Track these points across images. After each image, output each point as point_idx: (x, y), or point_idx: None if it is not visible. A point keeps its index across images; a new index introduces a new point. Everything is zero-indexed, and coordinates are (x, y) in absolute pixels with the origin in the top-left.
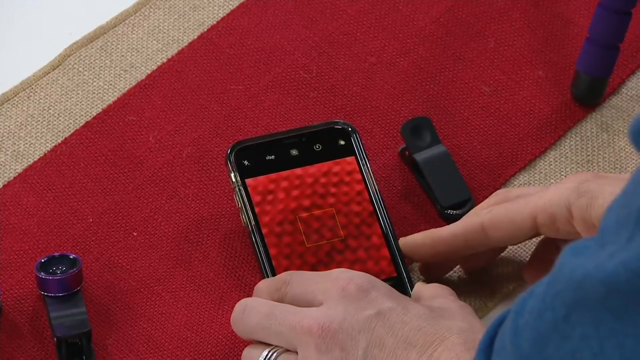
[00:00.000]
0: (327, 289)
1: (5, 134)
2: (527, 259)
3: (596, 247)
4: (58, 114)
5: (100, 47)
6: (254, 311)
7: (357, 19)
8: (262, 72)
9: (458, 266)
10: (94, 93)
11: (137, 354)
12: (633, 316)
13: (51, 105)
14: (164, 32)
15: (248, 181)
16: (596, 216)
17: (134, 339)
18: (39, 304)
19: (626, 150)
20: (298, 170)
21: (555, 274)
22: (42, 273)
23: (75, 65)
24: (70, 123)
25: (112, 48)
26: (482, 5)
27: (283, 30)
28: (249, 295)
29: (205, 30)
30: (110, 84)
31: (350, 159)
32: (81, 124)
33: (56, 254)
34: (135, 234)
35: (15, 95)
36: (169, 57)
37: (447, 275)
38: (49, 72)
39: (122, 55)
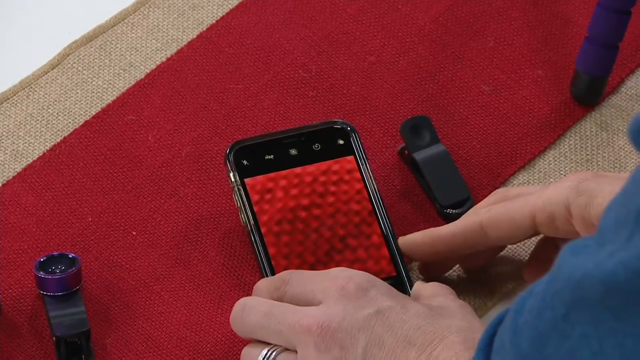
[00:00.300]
0: (326, 287)
1: (4, 133)
2: (527, 258)
3: (595, 246)
4: (57, 113)
5: (100, 46)
6: (253, 310)
7: (357, 18)
8: (262, 71)
9: (457, 265)
10: (93, 92)
11: (136, 353)
12: (632, 315)
13: (50, 105)
14: (163, 32)
15: (247, 181)
16: (595, 215)
17: (133, 338)
18: (38, 303)
19: (626, 149)
20: (297, 170)
21: (554, 273)
22: (41, 272)
23: (74, 65)
24: (70, 122)
25: (111, 47)
26: (482, 5)
27: (282, 29)
28: (248, 294)
29: (205, 29)
30: (110, 83)
31: (350, 158)
32: (80, 123)
33: (55, 253)
34: (134, 233)
35: (15, 95)
36: (168, 56)
37: (446, 274)
38: (48, 71)
39: (121, 55)
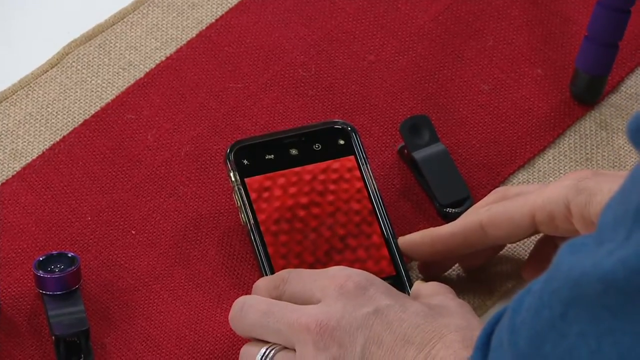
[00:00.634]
0: (325, 286)
1: (3, 132)
2: (526, 257)
3: (594, 244)
4: (56, 112)
5: (99, 45)
6: (252, 309)
7: (356, 17)
8: (261, 70)
9: (456, 264)
10: (93, 91)
11: (135, 353)
12: (630, 314)
13: (49, 104)
14: (163, 31)
15: (247, 180)
16: (595, 213)
17: (133, 337)
18: (37, 302)
19: (625, 148)
20: (297, 170)
21: (552, 271)
22: (40, 271)
23: (73, 64)
24: (69, 121)
25: (111, 46)
26: (481, 4)
27: (282, 28)
28: (248, 293)
29: (204, 28)
30: (109, 82)
31: (350, 158)
32: (79, 122)
33: (54, 252)
34: (133, 232)
35: (14, 94)
36: (168, 55)
37: (445, 273)
38: (48, 70)
39: (121, 54)
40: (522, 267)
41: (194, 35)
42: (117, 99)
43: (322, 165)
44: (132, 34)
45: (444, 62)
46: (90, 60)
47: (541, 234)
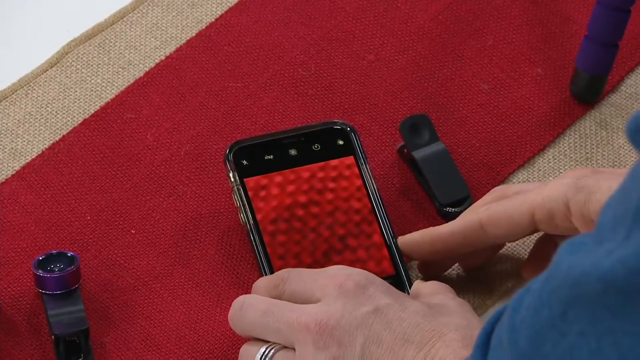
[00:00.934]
0: (325, 285)
1: (3, 131)
2: (526, 256)
3: (593, 244)
4: (56, 112)
5: (99, 44)
6: (251, 308)
7: (356, 16)
8: (261, 69)
9: (457, 264)
10: (92, 91)
11: (134, 352)
12: (630, 313)
13: (49, 103)
14: (162, 30)
15: (246, 180)
16: (594, 211)
17: (132, 336)
18: (36, 301)
19: (625, 147)
20: (296, 170)
21: (552, 270)
22: (39, 271)
23: (73, 63)
24: (68, 121)
25: (110, 45)
26: (481, 3)
27: (281, 27)
28: (247, 292)
29: (204, 27)
30: (108, 82)
31: (349, 158)
32: (79, 122)
33: (54, 251)
34: (133, 231)
35: (13, 93)
36: (167, 54)
37: (445, 272)
38: (47, 70)
39: (120, 53)
40: (521, 266)
41: (193, 35)
42: (116, 98)
43: (322, 165)
44: (131, 33)
45: (443, 61)
46: (89, 60)
47: (541, 233)
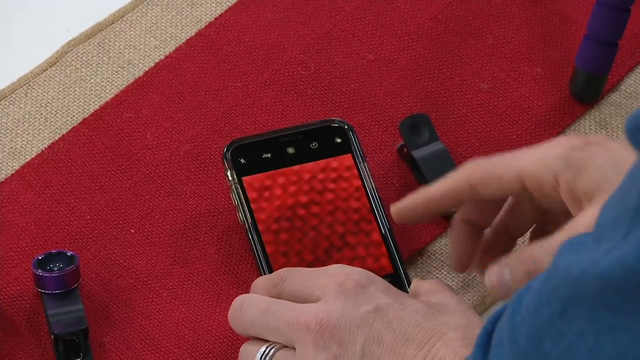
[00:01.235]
0: (325, 284)
1: (2, 131)
2: None
3: (592, 243)
4: (55, 111)
5: (98, 44)
6: (251, 307)
7: (355, 15)
8: (260, 69)
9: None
10: (92, 90)
11: (134, 352)
12: (629, 312)
13: (48, 102)
14: (162, 29)
15: (245, 179)
16: (582, 190)
17: (132, 336)
18: (36, 301)
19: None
20: (295, 168)
21: (551, 269)
22: (39, 270)
23: (72, 62)
24: (68, 120)
25: (110, 45)
26: (481, 3)
27: (281, 27)
28: (247, 292)
29: (203, 27)
30: (108, 81)
31: (347, 156)
32: (78, 121)
33: (53, 251)
34: (132, 231)
35: (13, 92)
36: (167, 54)
37: (444, 271)
38: (47, 69)
39: (120, 52)
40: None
41: (193, 34)
42: (116, 98)
43: (320, 163)
44: (131, 32)
45: (443, 60)
46: (89, 59)
47: (534, 226)
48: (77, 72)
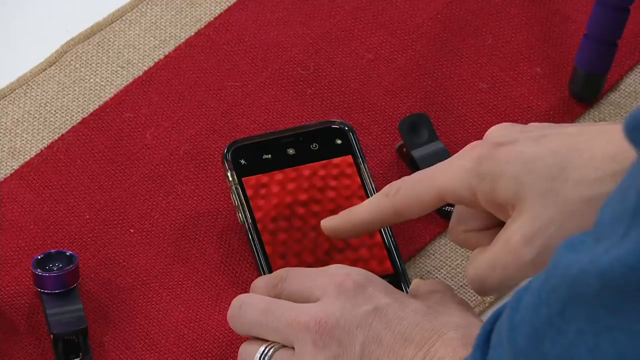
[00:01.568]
0: (324, 284)
1: (1, 130)
2: None
3: (592, 242)
4: (55, 111)
5: (97, 43)
6: (250, 307)
7: (355, 15)
8: (260, 68)
9: (456, 263)
10: (91, 90)
11: (134, 351)
12: (627, 311)
13: (48, 102)
14: (161, 29)
15: (245, 180)
16: (502, 197)
17: (131, 336)
18: (35, 300)
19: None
20: (295, 169)
21: (550, 269)
22: (38, 270)
23: (72, 62)
24: (67, 120)
25: (109, 44)
26: (480, 2)
27: (280, 26)
28: (246, 291)
29: (203, 26)
30: (107, 81)
31: (347, 158)
32: (78, 121)
33: (53, 250)
34: (132, 230)
35: (12, 92)
36: (166, 53)
37: (444, 271)
38: (46, 69)
39: (119, 52)
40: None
41: (192, 34)
42: (115, 98)
43: (320, 164)
44: (130, 32)
45: (443, 60)
46: (88, 59)
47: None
48: (77, 71)
